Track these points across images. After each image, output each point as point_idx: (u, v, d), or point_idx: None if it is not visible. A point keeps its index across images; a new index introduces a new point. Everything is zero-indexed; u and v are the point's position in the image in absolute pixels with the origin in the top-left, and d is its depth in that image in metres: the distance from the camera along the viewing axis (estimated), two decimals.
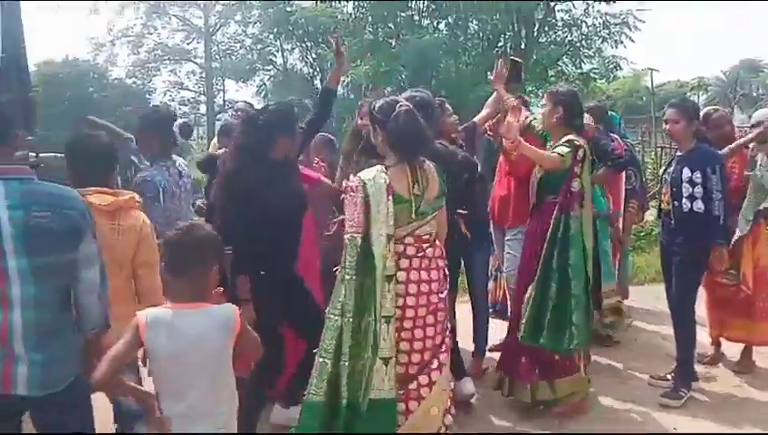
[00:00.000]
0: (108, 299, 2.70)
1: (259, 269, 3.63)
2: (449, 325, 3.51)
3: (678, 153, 4.54)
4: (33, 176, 2.54)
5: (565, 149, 4.06)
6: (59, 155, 5.89)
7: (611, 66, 19.47)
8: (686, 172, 4.34)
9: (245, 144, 3.72)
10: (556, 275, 4.05)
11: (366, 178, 3.23)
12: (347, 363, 3.13)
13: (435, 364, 3.31)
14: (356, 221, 3.20)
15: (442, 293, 3.38)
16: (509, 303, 5.11)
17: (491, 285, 5.71)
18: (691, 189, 4.32)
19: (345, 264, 3.20)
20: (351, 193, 3.23)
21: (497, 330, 4.93)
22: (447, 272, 3.46)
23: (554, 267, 4.06)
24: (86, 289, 2.59)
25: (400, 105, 3.33)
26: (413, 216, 3.29)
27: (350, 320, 3.15)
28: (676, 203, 4.41)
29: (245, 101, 6.27)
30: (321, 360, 3.22)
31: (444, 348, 3.38)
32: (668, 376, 4.62)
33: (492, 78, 4.91)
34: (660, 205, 4.76)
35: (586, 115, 4.54)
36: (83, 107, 21.24)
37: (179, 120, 3.90)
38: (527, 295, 4.13)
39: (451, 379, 3.61)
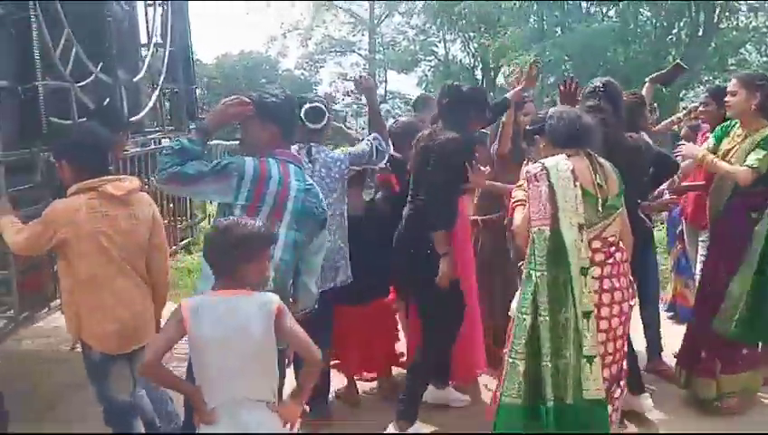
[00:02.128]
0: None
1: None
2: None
3: None
4: (302, 165, 2.94)
5: (761, 153, 3.77)
6: (224, 142, 6.23)
7: None
8: None
9: (458, 115, 3.84)
10: None
11: (549, 165, 3.08)
12: (549, 364, 2.96)
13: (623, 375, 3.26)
14: (542, 212, 3.04)
15: (631, 301, 3.22)
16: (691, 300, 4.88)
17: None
18: None
19: (533, 259, 3.04)
20: (535, 183, 3.07)
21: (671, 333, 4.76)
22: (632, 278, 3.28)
23: None
24: (310, 271, 2.93)
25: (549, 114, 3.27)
26: (600, 210, 3.09)
27: (547, 318, 2.98)
28: None
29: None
30: (510, 360, 3.07)
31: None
32: None
33: (523, 79, 4.37)
34: None
35: None
36: None
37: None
38: (735, 293, 3.85)
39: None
